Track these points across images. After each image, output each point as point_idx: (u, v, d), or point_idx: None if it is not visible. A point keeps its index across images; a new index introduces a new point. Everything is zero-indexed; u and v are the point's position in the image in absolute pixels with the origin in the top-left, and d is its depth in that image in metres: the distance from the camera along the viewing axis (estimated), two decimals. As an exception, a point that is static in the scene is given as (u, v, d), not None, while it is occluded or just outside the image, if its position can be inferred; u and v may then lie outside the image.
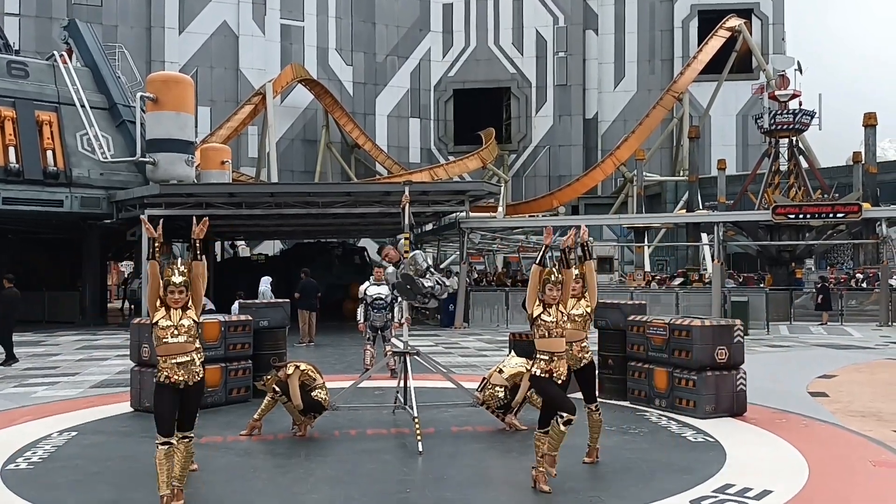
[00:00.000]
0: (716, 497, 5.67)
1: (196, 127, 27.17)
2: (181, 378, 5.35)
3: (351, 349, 15.86)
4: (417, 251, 8.19)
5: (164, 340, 5.39)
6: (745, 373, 8.83)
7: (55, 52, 24.50)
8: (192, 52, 43.06)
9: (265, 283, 18.88)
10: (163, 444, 5.25)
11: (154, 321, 5.43)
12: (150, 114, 23.08)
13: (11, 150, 21.71)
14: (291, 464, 6.80)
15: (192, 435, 5.42)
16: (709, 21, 46.61)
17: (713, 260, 24.80)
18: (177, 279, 5.43)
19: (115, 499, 5.71)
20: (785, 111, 32.13)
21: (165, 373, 5.36)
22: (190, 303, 5.50)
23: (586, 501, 5.58)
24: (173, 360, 5.36)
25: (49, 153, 22.33)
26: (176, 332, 5.37)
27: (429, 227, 27.88)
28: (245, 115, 40.67)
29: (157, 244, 5.45)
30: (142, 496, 5.64)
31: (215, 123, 41.09)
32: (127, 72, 27.79)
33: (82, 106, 22.92)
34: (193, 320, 5.46)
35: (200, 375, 5.46)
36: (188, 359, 5.39)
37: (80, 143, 23.12)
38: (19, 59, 24.28)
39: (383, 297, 11.77)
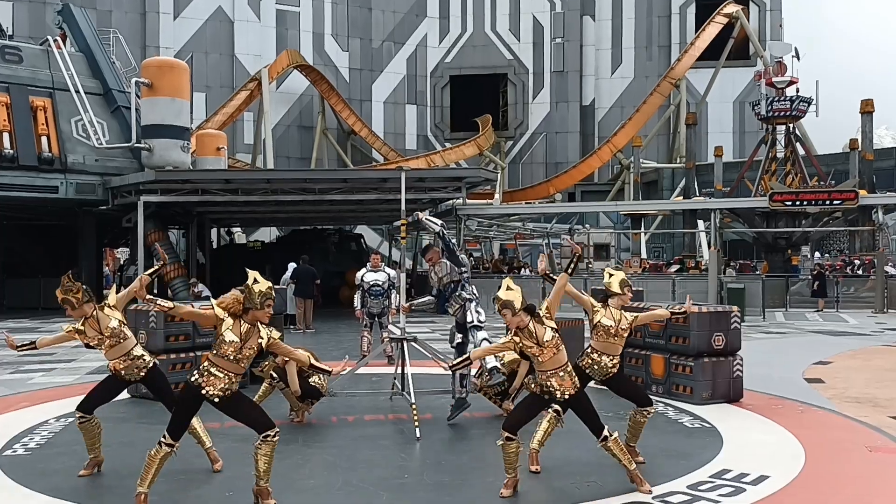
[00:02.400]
0: (713, 482, 5.69)
1: (191, 113, 27.07)
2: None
3: (348, 336, 15.87)
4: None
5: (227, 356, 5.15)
6: (741, 359, 8.85)
7: (49, 38, 24.31)
8: (187, 37, 42.81)
9: (292, 270, 18.47)
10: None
11: (222, 333, 5.15)
12: (146, 99, 22.96)
13: (6, 136, 21.59)
14: (289, 450, 6.80)
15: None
16: (706, 7, 46.46)
17: (710, 247, 24.83)
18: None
19: (112, 484, 5.71)
20: (782, 98, 32.09)
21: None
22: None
23: (584, 486, 5.59)
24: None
25: (44, 139, 22.21)
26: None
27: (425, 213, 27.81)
28: (241, 102, 40.49)
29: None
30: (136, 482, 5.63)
31: (211, 109, 40.92)
32: (122, 57, 27.62)
33: (77, 91, 22.78)
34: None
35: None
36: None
37: (74, 128, 23.00)
38: (13, 44, 24.11)
39: (380, 283, 11.76)
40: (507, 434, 5.38)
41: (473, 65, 49.66)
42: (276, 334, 5.28)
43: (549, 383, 5.46)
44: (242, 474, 5.97)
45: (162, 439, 5.17)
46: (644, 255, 35.15)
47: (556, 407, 5.73)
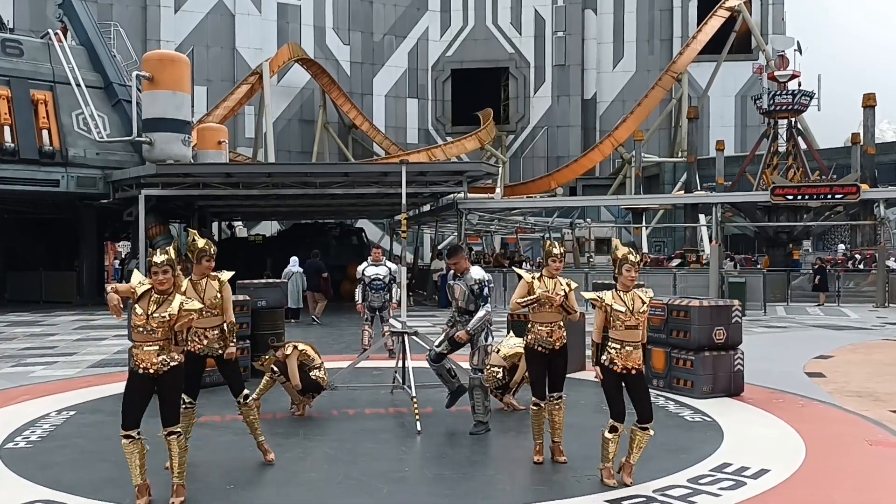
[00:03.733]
0: (713, 476, 5.69)
1: (192, 107, 27.05)
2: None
3: (349, 330, 15.88)
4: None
5: None
6: (742, 353, 8.85)
7: (50, 31, 24.28)
8: (187, 30, 42.77)
9: (294, 264, 18.52)
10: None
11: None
12: (146, 93, 22.94)
13: (7, 130, 21.58)
14: (290, 443, 6.81)
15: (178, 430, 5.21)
16: (708, 1, 46.35)
17: (711, 241, 24.81)
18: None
19: (114, 477, 5.71)
20: (784, 92, 32.03)
21: None
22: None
23: (584, 480, 5.60)
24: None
25: (45, 132, 22.21)
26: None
27: (426, 207, 27.83)
28: (241, 95, 40.47)
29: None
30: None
31: (212, 103, 40.90)
32: (122, 51, 27.57)
33: (78, 85, 22.75)
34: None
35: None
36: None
37: (75, 122, 22.99)
38: (14, 37, 24.07)
39: (381, 277, 11.74)
40: (536, 400, 6.03)
41: (475, 58, 49.60)
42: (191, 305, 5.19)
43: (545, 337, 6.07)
44: (243, 467, 5.98)
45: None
46: (645, 250, 35.18)
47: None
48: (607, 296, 5.64)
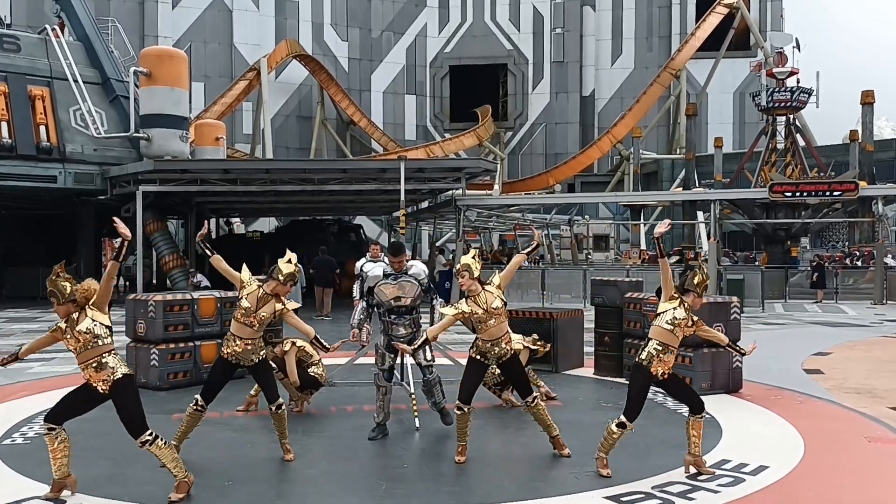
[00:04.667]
0: (712, 472, 5.68)
1: (190, 103, 26.97)
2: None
3: (347, 326, 15.84)
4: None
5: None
6: (741, 350, 8.85)
7: (47, 26, 24.21)
8: (185, 26, 42.67)
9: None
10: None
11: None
12: (144, 89, 22.87)
13: (4, 126, 21.51)
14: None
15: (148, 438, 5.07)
16: (707, -3, 46.34)
17: (709, 238, 24.83)
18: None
19: (113, 473, 5.70)
20: (782, 89, 32.03)
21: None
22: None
23: (582, 476, 5.59)
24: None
25: (42, 128, 22.13)
26: None
27: (425, 204, 27.81)
28: (239, 91, 40.38)
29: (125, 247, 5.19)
30: (139, 470, 5.64)
31: (209, 99, 40.81)
32: (120, 46, 27.51)
33: (75, 81, 22.69)
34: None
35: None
36: None
37: (73, 118, 22.92)
38: (11, 32, 23.99)
39: (379, 274, 11.71)
40: (460, 405, 5.92)
41: (473, 55, 49.53)
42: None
43: (490, 350, 5.92)
44: (242, 464, 5.97)
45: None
46: (643, 247, 35.18)
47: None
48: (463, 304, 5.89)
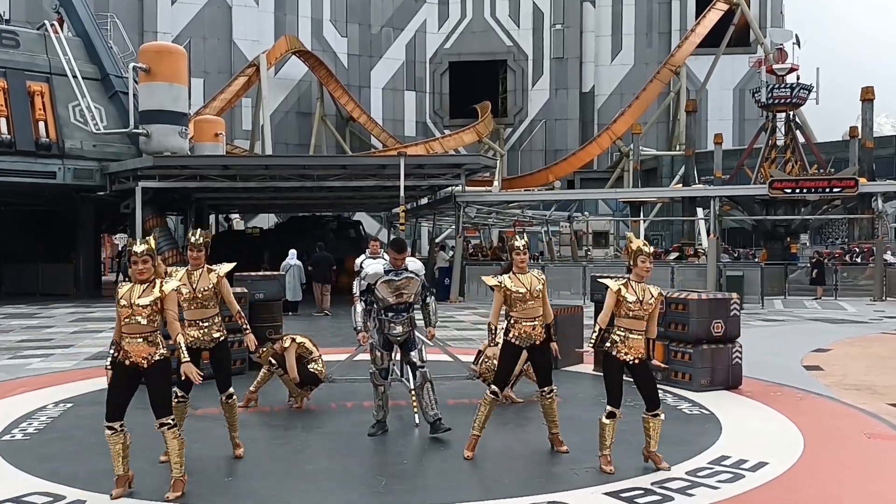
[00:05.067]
0: (711, 468, 5.69)
1: (189, 98, 26.94)
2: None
3: (346, 322, 15.85)
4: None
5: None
6: (740, 346, 8.85)
7: (46, 22, 24.17)
8: (184, 22, 42.59)
9: (292, 257, 18.50)
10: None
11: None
12: (143, 85, 22.85)
13: (3, 122, 21.50)
14: (289, 435, 6.81)
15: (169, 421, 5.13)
16: (707, -7, 46.27)
17: (709, 234, 24.83)
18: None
19: (111, 469, 5.69)
20: (782, 85, 32.00)
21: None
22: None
23: (582, 473, 5.60)
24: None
25: (41, 124, 22.12)
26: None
27: (424, 200, 27.80)
28: (239, 87, 40.32)
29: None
30: (137, 466, 5.63)
31: (209, 95, 40.76)
32: (119, 42, 27.48)
33: (74, 76, 22.66)
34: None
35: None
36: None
37: (72, 114, 22.90)
38: (10, 28, 23.95)
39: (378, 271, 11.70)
40: (495, 390, 6.02)
41: (473, 51, 49.46)
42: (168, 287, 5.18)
43: (523, 330, 6.01)
44: (241, 461, 5.97)
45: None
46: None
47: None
48: (506, 280, 5.98)
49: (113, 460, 5.09)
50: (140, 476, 5.35)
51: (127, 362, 5.05)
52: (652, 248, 5.82)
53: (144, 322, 5.01)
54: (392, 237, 7.49)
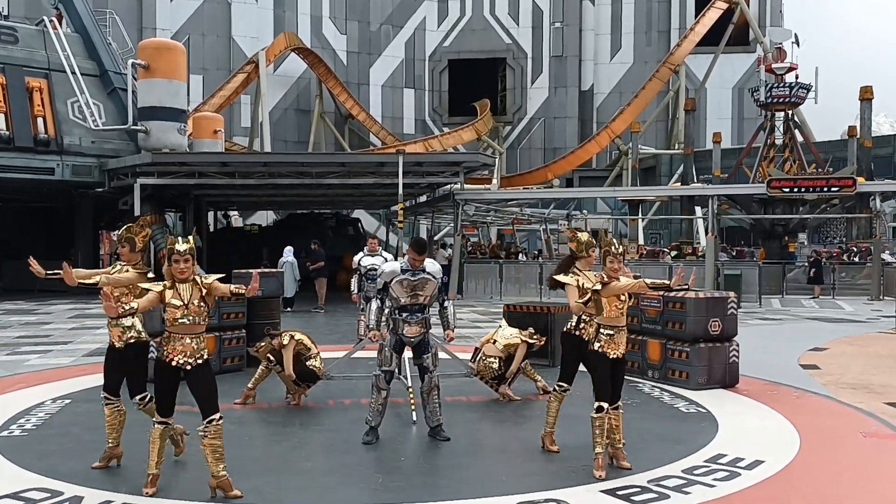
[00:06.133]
0: (708, 467, 5.71)
1: (188, 95, 26.91)
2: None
3: (344, 320, 15.88)
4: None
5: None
6: (737, 345, 8.87)
7: (45, 18, 24.14)
8: (183, 18, 42.50)
9: (288, 254, 18.51)
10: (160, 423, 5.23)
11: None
12: (142, 81, 22.83)
13: (1, 118, 21.48)
14: (286, 432, 6.82)
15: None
16: (706, -8, 46.21)
17: (707, 233, 24.84)
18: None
19: (110, 466, 5.71)
20: (781, 84, 31.98)
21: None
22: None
23: (579, 470, 5.61)
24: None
25: (40, 120, 22.10)
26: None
27: (423, 198, 27.80)
28: (238, 84, 40.25)
29: None
30: (135, 464, 5.64)
31: (207, 92, 40.69)
32: (118, 38, 27.42)
33: (73, 73, 22.64)
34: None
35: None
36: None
37: (71, 110, 22.88)
38: (8, 24, 23.91)
39: (377, 267, 11.72)
40: (564, 385, 6.08)
41: (472, 49, 49.40)
42: (210, 279, 5.19)
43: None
44: (239, 457, 5.98)
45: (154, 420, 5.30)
46: (641, 241, 35.19)
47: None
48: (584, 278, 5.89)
49: (150, 457, 5.15)
50: (136, 475, 5.36)
51: (173, 363, 5.08)
52: (621, 248, 5.82)
53: (199, 321, 5.08)
54: (414, 237, 7.34)
